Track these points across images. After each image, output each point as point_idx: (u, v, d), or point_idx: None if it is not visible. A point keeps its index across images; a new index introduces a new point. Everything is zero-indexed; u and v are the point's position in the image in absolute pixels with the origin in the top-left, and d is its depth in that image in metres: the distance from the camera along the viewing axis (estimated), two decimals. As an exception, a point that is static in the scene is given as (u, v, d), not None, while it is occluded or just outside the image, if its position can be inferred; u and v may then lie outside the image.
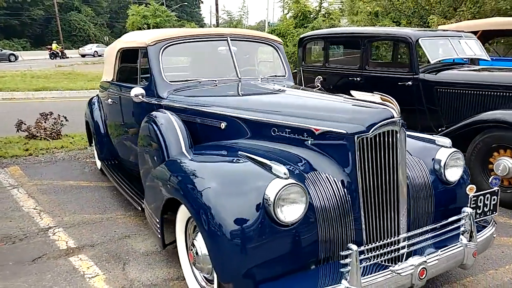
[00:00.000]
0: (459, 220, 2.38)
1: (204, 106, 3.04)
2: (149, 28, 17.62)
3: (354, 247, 1.95)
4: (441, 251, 2.26)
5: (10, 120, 7.69)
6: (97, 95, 5.24)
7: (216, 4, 31.56)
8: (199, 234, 2.42)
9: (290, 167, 2.21)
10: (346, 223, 2.21)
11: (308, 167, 2.27)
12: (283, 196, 1.99)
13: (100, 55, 39.20)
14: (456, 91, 4.69)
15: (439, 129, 4.78)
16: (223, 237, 2.02)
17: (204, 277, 2.53)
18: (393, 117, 2.19)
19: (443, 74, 4.84)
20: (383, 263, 2.19)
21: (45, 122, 7.28)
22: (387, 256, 2.20)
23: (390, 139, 2.20)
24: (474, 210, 2.43)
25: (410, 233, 2.29)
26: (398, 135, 2.20)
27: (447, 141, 2.63)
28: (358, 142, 2.18)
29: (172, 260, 3.12)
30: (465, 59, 5.46)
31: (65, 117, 7.30)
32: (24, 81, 15.67)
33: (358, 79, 5.50)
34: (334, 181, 2.22)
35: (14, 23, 48.99)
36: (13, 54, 36.28)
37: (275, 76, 3.93)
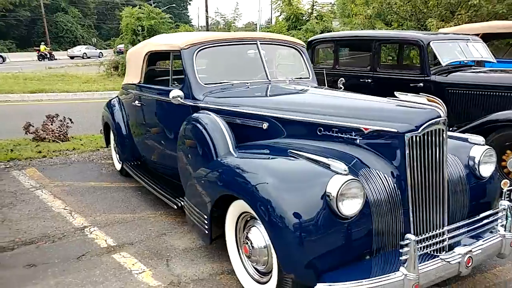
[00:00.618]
0: (496, 213, 2.56)
1: (244, 107, 3.18)
2: (143, 30, 17.58)
3: (412, 237, 2.11)
4: (483, 241, 2.43)
5: (11, 123, 7.71)
6: (117, 97, 5.33)
7: (206, 6, 31.70)
8: (253, 229, 2.57)
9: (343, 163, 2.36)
10: (396, 216, 2.37)
11: (359, 164, 2.42)
12: (344, 191, 2.14)
13: (89, 57, 38.91)
14: (466, 92, 4.91)
15: (450, 129, 4.99)
16: (287, 229, 2.16)
17: (256, 269, 2.66)
18: (440, 117, 2.36)
19: (454, 75, 5.06)
20: (431, 253, 2.35)
21: (51, 124, 7.33)
22: (434, 246, 2.37)
23: (437, 137, 2.37)
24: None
25: (453, 225, 2.46)
26: (444, 133, 2.38)
27: (480, 139, 2.82)
28: (408, 140, 2.34)
29: (214, 255, 3.25)
30: (471, 61, 5.70)
31: (70, 119, 7.34)
32: (17, 84, 15.55)
33: (369, 80, 5.69)
34: (385, 176, 2.38)
35: (0, 24, 48.28)
36: (1, 56, 35.80)
37: (300, 78, 4.08)
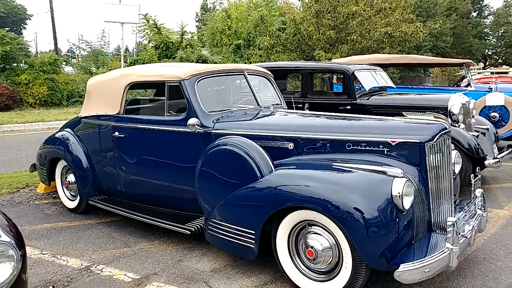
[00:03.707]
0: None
1: (268, 130, 3.53)
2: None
3: (453, 219, 2.78)
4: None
5: None
6: (64, 130, 5.05)
7: (54, 32, 29.58)
8: (311, 235, 2.96)
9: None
10: (423, 208, 3.05)
11: (396, 169, 3.03)
12: (406, 190, 2.72)
13: None
14: (385, 111, 6.01)
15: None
16: (365, 226, 2.63)
17: (315, 270, 3.02)
18: (447, 128, 3.14)
19: (374, 99, 6.15)
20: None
21: None
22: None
23: (445, 144, 3.14)
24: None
25: (459, 214, 3.22)
26: (449, 140, 3.16)
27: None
28: (428, 148, 3.05)
29: (245, 270, 3.46)
30: (375, 87, 6.93)
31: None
32: None
33: (300, 106, 6.46)
34: (413, 177, 3.04)
35: None
36: None
37: (277, 104, 4.57)
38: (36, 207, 5.33)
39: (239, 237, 3.22)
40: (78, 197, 4.86)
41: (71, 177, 4.94)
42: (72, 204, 5.01)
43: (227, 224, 3.29)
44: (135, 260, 3.72)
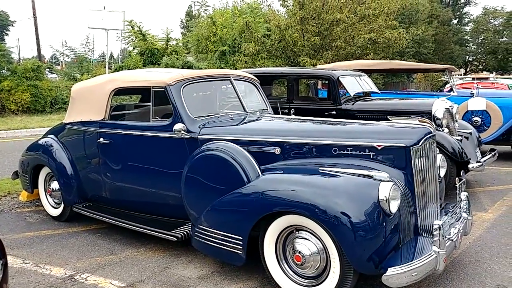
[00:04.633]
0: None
1: (254, 135, 3.53)
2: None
3: (439, 222, 2.81)
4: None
5: None
6: (47, 137, 4.97)
7: (37, 38, 29.23)
8: (299, 240, 2.96)
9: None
10: (410, 211, 3.07)
11: (382, 173, 3.05)
12: (392, 194, 2.74)
13: None
14: (370, 116, 6.06)
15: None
16: (353, 230, 2.64)
17: (303, 275, 3.01)
18: (432, 133, 3.17)
19: (359, 104, 6.20)
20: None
21: None
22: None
23: (430, 148, 3.17)
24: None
25: (445, 218, 3.25)
26: (434, 144, 3.20)
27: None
28: (413, 152, 3.08)
29: (232, 276, 3.43)
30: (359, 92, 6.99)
31: None
32: None
33: (286, 111, 6.48)
34: (399, 180, 3.06)
35: None
36: None
37: (263, 109, 4.57)
38: (19, 215, 5.21)
39: (226, 243, 3.19)
40: (62, 205, 4.78)
41: (54, 184, 4.85)
42: (55, 212, 4.92)
43: (214, 230, 3.26)
44: (121, 268, 3.66)
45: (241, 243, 3.11)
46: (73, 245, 4.20)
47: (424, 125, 3.22)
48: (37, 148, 4.97)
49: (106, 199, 4.45)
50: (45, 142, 4.90)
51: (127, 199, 4.27)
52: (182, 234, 3.61)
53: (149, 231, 3.81)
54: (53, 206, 4.98)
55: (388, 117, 3.39)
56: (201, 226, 3.37)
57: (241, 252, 3.12)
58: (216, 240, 3.25)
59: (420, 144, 3.11)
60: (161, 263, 3.74)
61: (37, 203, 5.47)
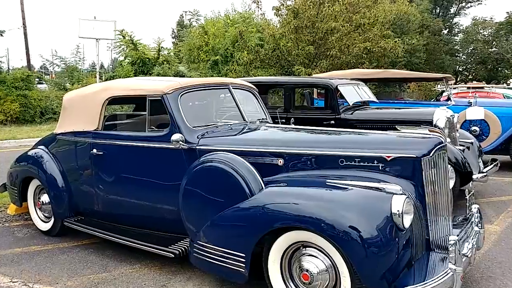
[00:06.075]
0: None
1: (256, 146, 3.37)
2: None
3: (455, 238, 2.66)
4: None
5: None
6: (37, 148, 4.77)
7: (27, 48, 28.94)
8: (306, 257, 2.79)
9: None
10: (421, 225, 2.92)
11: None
12: (406, 207, 2.59)
13: None
14: (369, 126, 5.94)
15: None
16: (365, 247, 2.48)
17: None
18: (443, 143, 3.04)
19: (358, 113, 6.08)
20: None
21: None
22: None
23: (442, 158, 3.03)
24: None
25: (457, 231, 3.09)
26: (446, 154, 3.06)
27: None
28: (424, 162, 2.94)
29: (235, 295, 3.26)
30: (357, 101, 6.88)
31: None
32: None
33: (283, 121, 6.33)
34: (410, 193, 2.91)
35: None
36: None
37: (262, 119, 4.42)
38: (6, 229, 4.99)
39: (227, 260, 3.01)
40: (53, 219, 4.56)
41: (44, 197, 4.64)
42: (45, 226, 4.70)
43: (214, 247, 3.08)
44: (115, 286, 3.46)
45: (244, 260, 2.93)
46: (63, 262, 3.98)
47: (435, 135, 3.09)
48: (26, 160, 4.77)
49: (99, 212, 4.24)
50: (35, 153, 4.70)
51: (121, 212, 4.07)
52: (180, 250, 3.42)
53: (145, 247, 3.62)
54: (43, 220, 4.76)
55: (396, 126, 3.25)
56: (200, 242, 3.19)
57: (243, 270, 2.94)
58: (217, 257, 3.07)
59: (431, 154, 2.97)
60: (157, 280, 3.55)
61: (26, 216, 5.25)
